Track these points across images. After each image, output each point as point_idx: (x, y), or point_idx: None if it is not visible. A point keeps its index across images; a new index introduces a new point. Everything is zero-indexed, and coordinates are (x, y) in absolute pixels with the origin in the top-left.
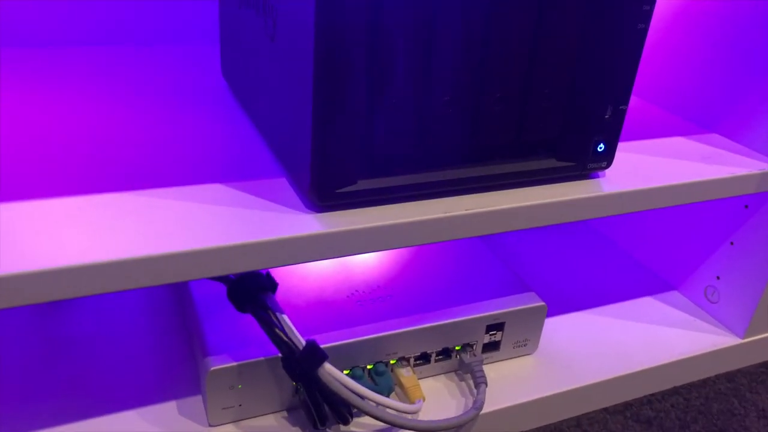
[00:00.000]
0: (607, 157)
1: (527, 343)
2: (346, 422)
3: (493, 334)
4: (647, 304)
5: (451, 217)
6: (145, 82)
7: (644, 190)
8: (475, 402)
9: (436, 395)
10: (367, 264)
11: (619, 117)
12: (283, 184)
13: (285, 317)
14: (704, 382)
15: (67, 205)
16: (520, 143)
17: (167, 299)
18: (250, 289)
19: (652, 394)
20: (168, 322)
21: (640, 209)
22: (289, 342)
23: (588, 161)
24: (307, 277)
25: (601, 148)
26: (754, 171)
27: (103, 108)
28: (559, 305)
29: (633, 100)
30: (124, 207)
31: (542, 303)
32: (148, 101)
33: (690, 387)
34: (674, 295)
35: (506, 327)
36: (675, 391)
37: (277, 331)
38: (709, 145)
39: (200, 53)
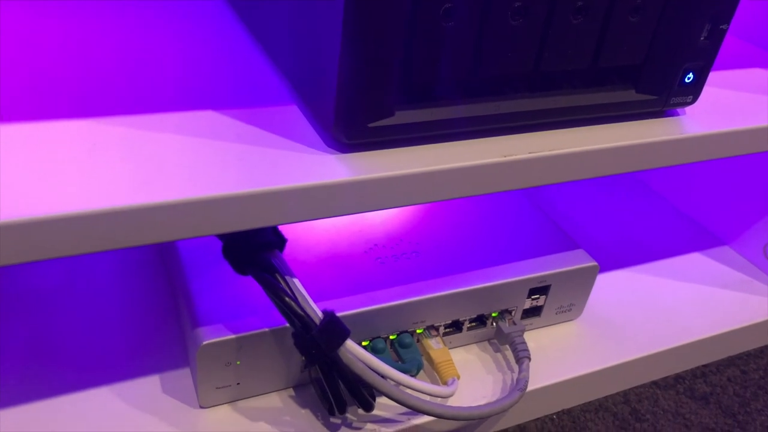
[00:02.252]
0: (695, 90)
1: (572, 308)
2: (369, 408)
3: (536, 299)
4: (699, 261)
5: (511, 161)
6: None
7: (733, 131)
8: (518, 381)
9: (470, 370)
10: (389, 212)
11: (717, 39)
12: (297, 115)
13: (296, 281)
14: (762, 352)
15: (42, 132)
16: (597, 69)
17: (150, 254)
18: (252, 246)
19: (706, 366)
20: (149, 278)
21: (727, 155)
22: (303, 314)
23: (672, 95)
24: (315, 228)
25: (689, 78)
26: None
27: (88, 26)
28: (603, 263)
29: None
30: (108, 137)
31: (594, 263)
32: (141, 23)
33: (747, 358)
34: (728, 252)
35: (551, 290)
36: (730, 362)
37: (287, 299)
38: None
39: None
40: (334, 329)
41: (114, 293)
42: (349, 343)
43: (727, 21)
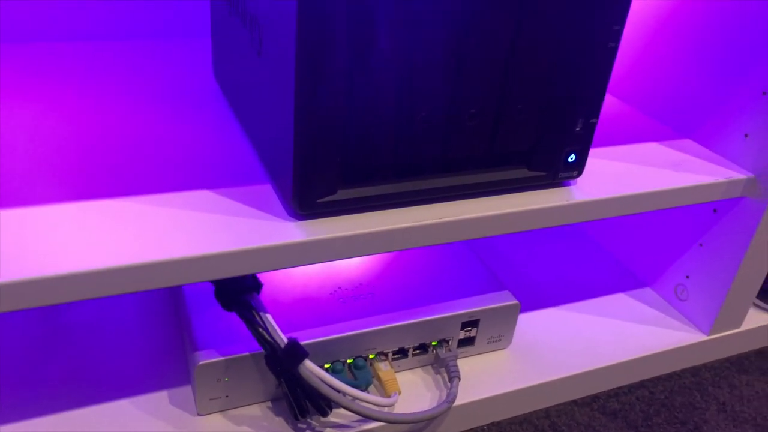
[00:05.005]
0: (578, 167)
1: (501, 338)
2: (325, 414)
3: (468, 331)
4: (620, 300)
5: (425, 225)
6: (138, 80)
7: (612, 198)
8: (448, 395)
9: (413, 388)
10: (352, 261)
11: (590, 129)
12: (269, 191)
13: (268, 316)
14: (670, 377)
15: (53, 212)
16: (493, 154)
17: (161, 292)
18: (235, 290)
19: (620, 387)
20: (162, 314)
21: (607, 216)
22: (272, 341)
23: (559, 171)
24: (293, 274)
25: (572, 158)
26: (720, 179)
27: (92, 108)
28: (537, 301)
29: (614, 102)
30: (116, 213)
31: (516, 302)
32: (139, 101)
33: (656, 381)
34: (647, 292)
35: (481, 324)
36: (641, 384)
37: (260, 330)
38: (681, 152)
39: (195, 49)
40: (295, 352)
41: (133, 324)
42: (308, 363)
43: (596, 116)
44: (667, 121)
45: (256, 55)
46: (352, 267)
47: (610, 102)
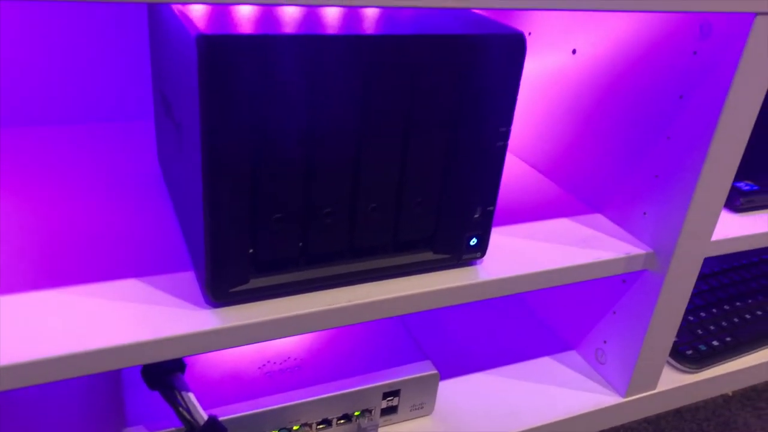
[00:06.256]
0: (481, 249)
1: (423, 406)
2: None
3: (390, 400)
4: (546, 363)
5: (334, 308)
6: (88, 165)
7: (516, 276)
8: None
9: None
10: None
11: (488, 216)
12: (192, 278)
13: (190, 395)
14: None
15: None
16: (398, 241)
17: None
18: (158, 371)
19: None
20: (104, 391)
21: (512, 293)
22: (191, 419)
23: (462, 253)
24: (225, 350)
25: (473, 242)
26: (621, 255)
27: (32, 193)
28: (464, 365)
29: (537, 177)
30: (43, 305)
31: (435, 371)
32: (84, 187)
33: None
34: (572, 355)
35: (402, 393)
36: None
37: (180, 409)
38: (590, 228)
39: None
40: (215, 428)
41: (75, 398)
42: None
43: (493, 204)
44: (582, 197)
45: (179, 151)
46: (282, 341)
47: (532, 177)
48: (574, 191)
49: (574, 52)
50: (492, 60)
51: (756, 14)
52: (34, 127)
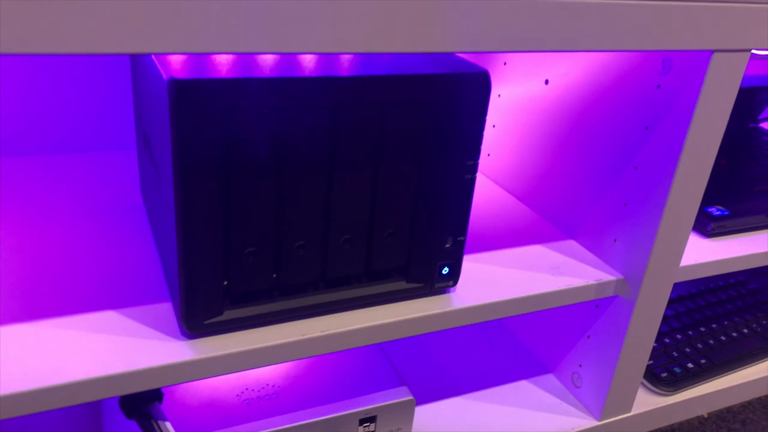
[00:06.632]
0: (453, 277)
1: (400, 431)
2: None
3: (367, 426)
4: (523, 387)
5: (308, 338)
6: (72, 196)
7: (488, 304)
8: None
9: None
10: None
11: (459, 245)
12: (169, 310)
13: (167, 425)
14: None
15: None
16: (371, 270)
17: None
18: (135, 401)
19: None
20: (87, 421)
21: (484, 320)
22: None
23: (435, 282)
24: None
25: (445, 271)
26: (591, 282)
27: (15, 223)
28: (443, 389)
29: (513, 203)
30: (22, 338)
31: (411, 397)
32: (68, 218)
33: None
34: (550, 378)
35: (378, 419)
36: None
37: None
38: (563, 254)
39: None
40: None
41: (58, 426)
42: None
43: (463, 234)
44: (557, 223)
45: (157, 186)
46: (260, 368)
47: (508, 202)
48: (549, 217)
49: (546, 82)
50: (458, 97)
51: (713, 51)
52: (18, 157)
